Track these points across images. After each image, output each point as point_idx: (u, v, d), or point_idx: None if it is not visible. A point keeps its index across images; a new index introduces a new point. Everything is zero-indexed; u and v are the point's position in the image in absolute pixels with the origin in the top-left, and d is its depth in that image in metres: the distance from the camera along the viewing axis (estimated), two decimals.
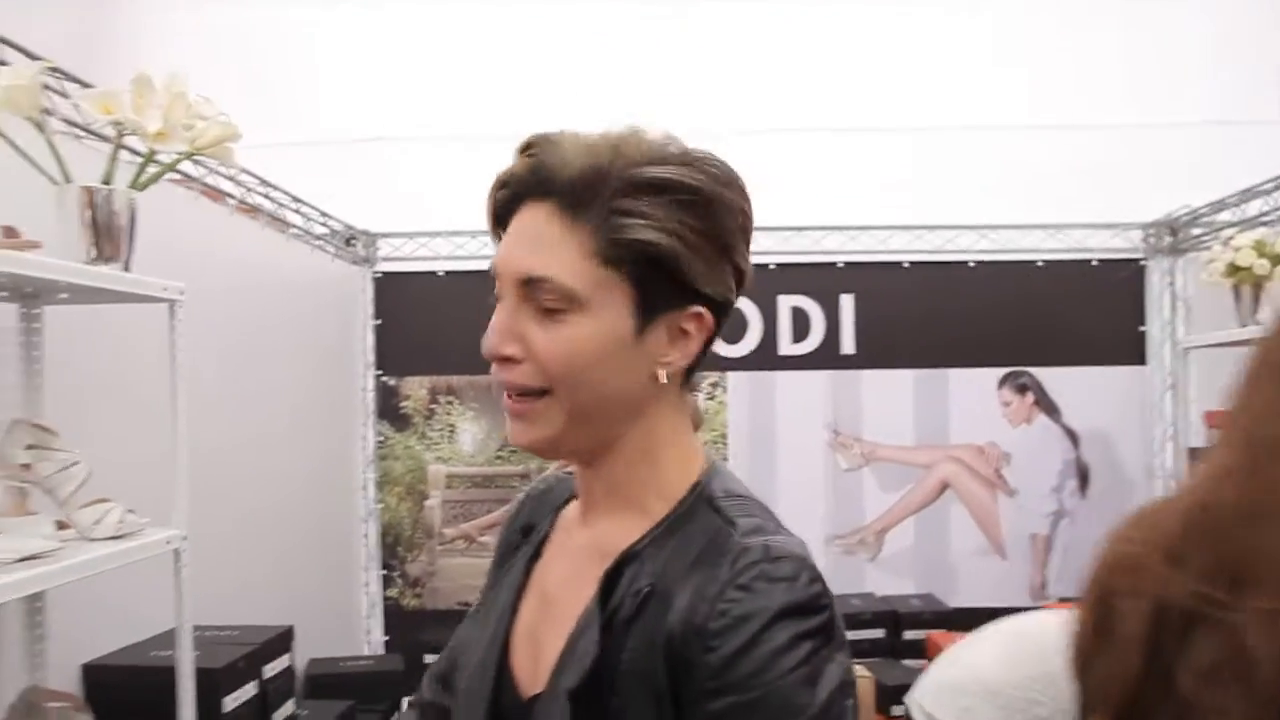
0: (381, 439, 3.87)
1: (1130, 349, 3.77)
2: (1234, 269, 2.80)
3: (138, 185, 1.70)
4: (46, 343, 1.81)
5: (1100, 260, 3.81)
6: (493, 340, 0.83)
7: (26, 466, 1.63)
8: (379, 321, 3.87)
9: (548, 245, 0.80)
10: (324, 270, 3.57)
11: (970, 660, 1.79)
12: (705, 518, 0.83)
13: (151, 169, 1.72)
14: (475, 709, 0.91)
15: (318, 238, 3.47)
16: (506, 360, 0.82)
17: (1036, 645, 1.68)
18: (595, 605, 0.81)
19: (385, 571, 3.89)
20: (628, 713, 0.77)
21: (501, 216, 0.87)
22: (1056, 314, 3.76)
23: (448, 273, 3.84)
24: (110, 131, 1.66)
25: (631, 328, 0.81)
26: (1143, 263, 3.82)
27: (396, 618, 3.88)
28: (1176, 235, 3.73)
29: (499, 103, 3.77)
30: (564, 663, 0.82)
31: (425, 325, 3.84)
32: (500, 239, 0.87)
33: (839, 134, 3.75)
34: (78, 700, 1.78)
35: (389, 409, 3.87)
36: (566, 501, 0.98)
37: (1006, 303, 3.79)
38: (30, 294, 1.78)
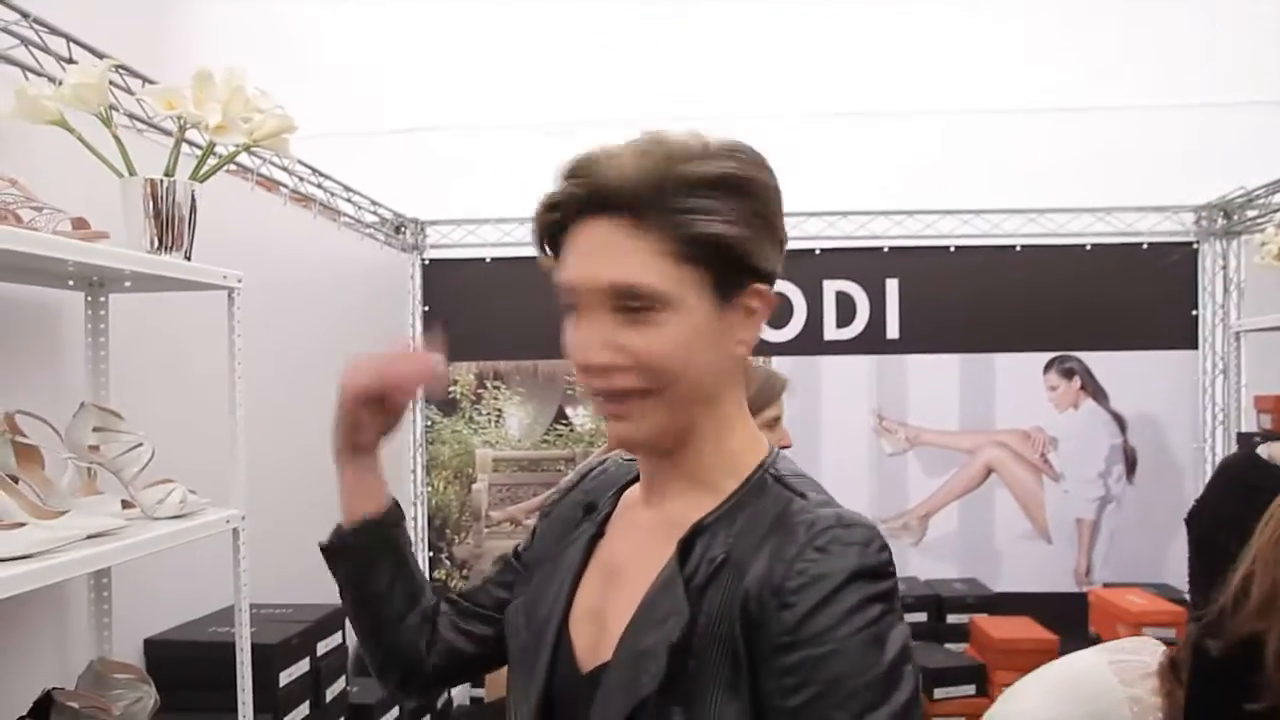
0: (429, 423, 3.94)
1: (1182, 333, 3.73)
2: None
3: (198, 177, 1.76)
4: (111, 330, 1.87)
5: (1151, 244, 3.77)
6: (588, 353, 0.86)
7: (94, 448, 1.69)
8: (427, 308, 3.94)
9: (623, 254, 0.84)
10: (374, 258, 3.64)
11: (1020, 701, 1.81)
12: (774, 493, 0.88)
13: (211, 161, 1.77)
14: (532, 680, 0.95)
15: (367, 226, 3.53)
16: (604, 370, 0.86)
17: (1087, 686, 1.70)
18: (675, 569, 0.86)
19: (433, 554, 3.97)
20: (703, 674, 0.81)
21: (552, 237, 0.91)
22: (1105, 298, 3.73)
23: (494, 259, 3.90)
24: (171, 126, 1.72)
25: (714, 316, 0.86)
26: (1195, 246, 3.77)
27: None
28: (1230, 218, 3.68)
29: (545, 92, 3.80)
30: (638, 625, 0.86)
31: (473, 311, 3.90)
32: (548, 258, 0.92)
33: (886, 118, 3.73)
34: (142, 672, 1.84)
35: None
36: (628, 484, 1.02)
37: (1054, 287, 3.76)
38: (96, 283, 1.84)
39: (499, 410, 3.93)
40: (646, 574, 0.89)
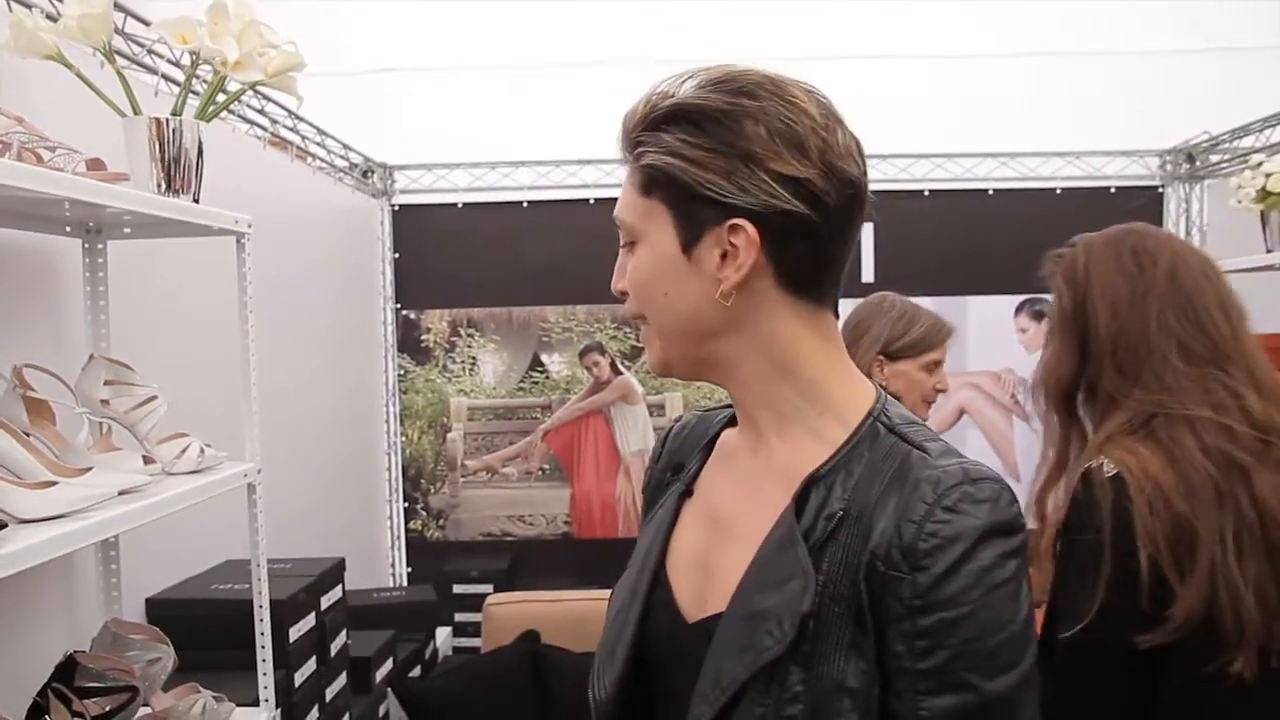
0: (402, 373, 3.87)
1: None
2: (1265, 194, 2.81)
3: (204, 116, 1.67)
4: (110, 278, 1.79)
5: (1118, 187, 3.82)
6: (614, 279, 0.94)
7: (105, 403, 1.62)
8: (397, 255, 3.85)
9: (624, 191, 0.91)
10: (345, 203, 3.53)
11: None
12: (889, 443, 0.85)
13: (218, 99, 1.68)
14: (624, 629, 0.93)
15: (338, 170, 3.42)
16: (621, 295, 0.93)
17: None
18: (792, 526, 0.83)
19: (408, 505, 3.92)
20: (825, 634, 0.79)
21: None
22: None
23: (466, 204, 3.81)
24: (151, 63, 1.62)
25: (677, 248, 0.86)
26: (1161, 190, 3.83)
27: (419, 550, 3.92)
28: (1194, 162, 3.74)
29: (517, 34, 3.71)
30: (753, 582, 0.84)
31: (445, 258, 3.82)
32: None
33: (859, 61, 3.71)
34: (157, 632, 1.78)
35: (410, 342, 3.87)
36: (715, 435, 1.00)
37: (1025, 230, 3.74)
38: (93, 229, 1.75)
39: (473, 358, 3.87)
40: (756, 524, 0.87)
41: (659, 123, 0.85)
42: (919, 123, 3.74)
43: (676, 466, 1.02)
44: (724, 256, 0.85)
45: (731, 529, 0.91)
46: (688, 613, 0.91)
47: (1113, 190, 3.82)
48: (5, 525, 1.18)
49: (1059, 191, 3.81)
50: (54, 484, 1.31)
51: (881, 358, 2.08)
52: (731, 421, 0.99)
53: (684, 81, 0.86)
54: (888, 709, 0.78)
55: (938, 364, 2.09)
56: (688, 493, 0.98)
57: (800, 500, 0.84)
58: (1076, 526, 1.30)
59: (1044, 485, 1.42)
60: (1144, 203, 3.82)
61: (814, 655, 0.79)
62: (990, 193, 3.83)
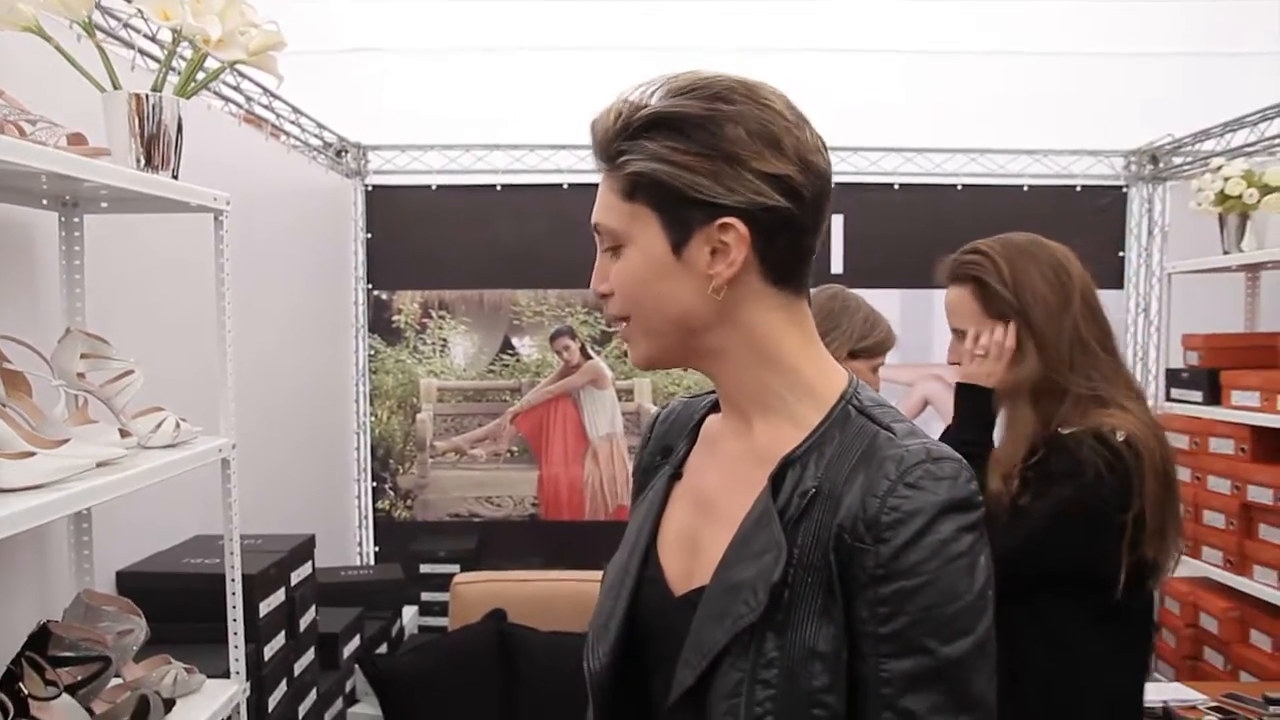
0: (373, 353, 3.88)
1: (1109, 273, 3.88)
2: (1223, 197, 2.89)
3: (184, 93, 1.68)
4: (86, 253, 1.79)
5: (1084, 186, 3.90)
6: (594, 282, 0.97)
7: (82, 376, 1.63)
8: (369, 235, 3.85)
9: (601, 199, 0.94)
10: (319, 183, 3.53)
11: None
12: (859, 424, 0.90)
13: (198, 76, 1.69)
14: (616, 604, 0.98)
15: (312, 149, 3.42)
16: (602, 298, 0.97)
17: None
18: (768, 503, 0.88)
19: (376, 484, 3.94)
20: (798, 603, 0.85)
21: None
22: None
23: (439, 186, 3.82)
24: (126, 37, 1.62)
25: (667, 249, 0.90)
26: (1124, 189, 3.91)
27: (387, 529, 3.94)
28: (1158, 164, 3.83)
29: (494, 17, 3.71)
30: (733, 556, 0.89)
31: (417, 239, 3.83)
32: None
33: (832, 54, 3.75)
34: (130, 604, 1.79)
35: (381, 322, 3.88)
36: (700, 421, 1.05)
37: (992, 225, 3.79)
38: (69, 203, 1.76)
39: (444, 340, 3.88)
40: (738, 504, 0.92)
41: (639, 131, 0.89)
42: (890, 117, 3.79)
43: (665, 450, 1.07)
44: (714, 253, 0.90)
45: (716, 509, 0.95)
46: (675, 587, 0.96)
47: (1078, 189, 3.90)
48: None
49: (1026, 189, 3.88)
50: (32, 455, 1.33)
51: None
52: (715, 408, 1.04)
53: (653, 91, 0.91)
54: (854, 671, 0.84)
55: (877, 369, 2.17)
56: (676, 475, 1.03)
57: (776, 480, 0.89)
58: (1092, 484, 1.52)
59: (1022, 462, 1.62)
60: (1110, 201, 3.91)
61: (788, 623, 0.84)
62: (959, 188, 3.89)
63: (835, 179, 0.95)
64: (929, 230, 3.86)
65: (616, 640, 0.97)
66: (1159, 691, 2.31)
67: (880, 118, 3.77)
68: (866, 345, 2.14)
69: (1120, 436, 1.53)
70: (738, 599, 0.86)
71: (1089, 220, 3.87)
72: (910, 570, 0.81)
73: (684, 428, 1.06)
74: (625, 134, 0.90)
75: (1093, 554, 1.54)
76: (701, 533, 0.96)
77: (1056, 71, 3.80)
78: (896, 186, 3.88)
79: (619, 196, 0.91)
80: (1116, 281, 3.90)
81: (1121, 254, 3.91)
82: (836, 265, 3.86)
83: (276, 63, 1.77)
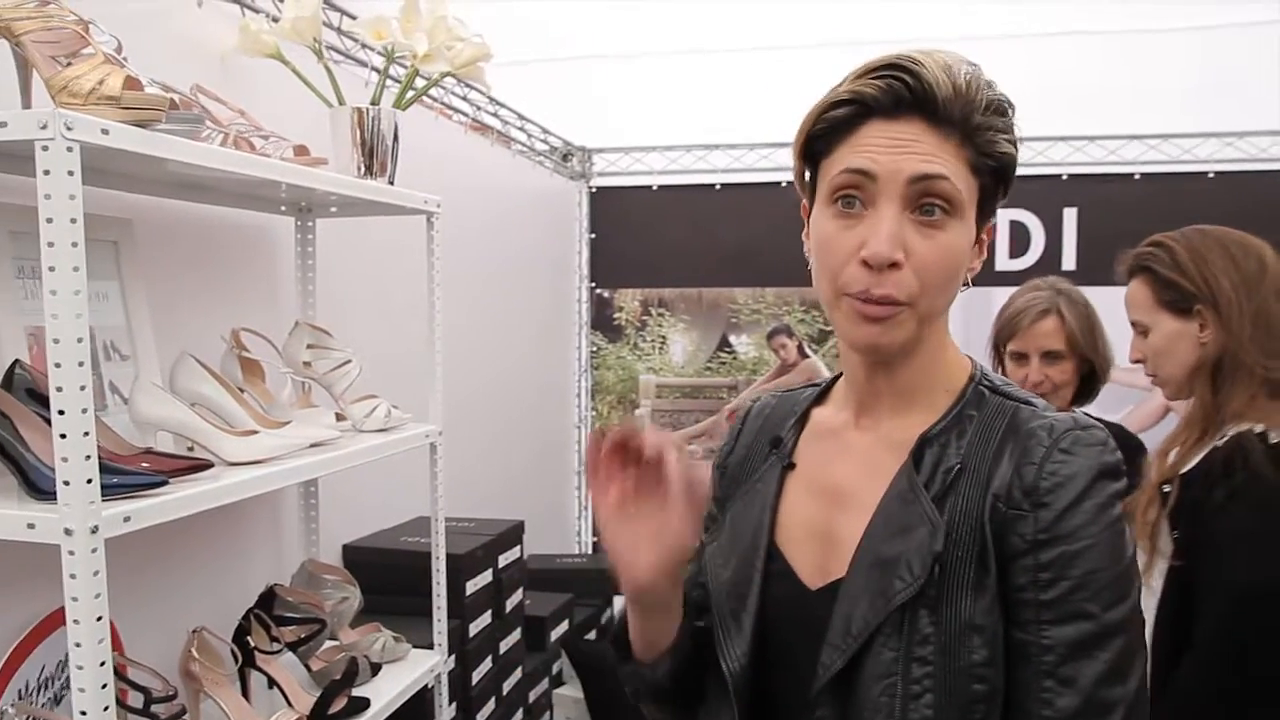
0: (595, 349, 4.02)
1: None
2: None
3: (400, 105, 1.82)
4: (318, 253, 1.98)
5: None
6: (888, 247, 0.84)
7: (307, 364, 1.80)
8: (594, 235, 3.99)
9: (933, 153, 0.85)
10: (544, 185, 3.70)
11: None
12: (995, 403, 0.91)
13: (411, 91, 1.83)
14: (746, 601, 0.96)
15: (538, 154, 3.59)
16: (891, 266, 0.84)
17: None
18: (911, 480, 0.88)
19: None
20: (950, 578, 0.84)
21: (824, 134, 0.90)
22: None
23: (661, 187, 3.91)
24: (366, 57, 1.77)
25: (972, 237, 0.90)
26: None
27: None
28: None
29: (712, 20, 3.76)
30: (875, 536, 0.89)
31: (639, 238, 3.93)
32: (809, 157, 0.93)
33: (1054, 39, 3.54)
34: (348, 574, 1.98)
35: (602, 320, 4.01)
36: (805, 414, 1.04)
37: (1248, 214, 3.49)
38: (304, 208, 1.94)
39: (663, 337, 3.97)
40: (874, 492, 0.91)
41: (997, 110, 0.88)
42: (1126, 102, 3.53)
43: (776, 441, 1.04)
44: (978, 248, 0.92)
45: (852, 499, 0.94)
46: (810, 581, 0.94)
47: None
48: (213, 465, 1.35)
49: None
50: (256, 433, 1.48)
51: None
52: (818, 400, 1.04)
53: (973, 67, 0.88)
54: (1011, 640, 0.83)
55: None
56: (790, 466, 1.01)
57: (916, 458, 0.89)
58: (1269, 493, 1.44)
59: (1182, 451, 1.58)
60: None
61: (940, 598, 0.84)
62: (1210, 175, 3.57)
63: (1069, 170, 0.97)
64: (1175, 222, 3.52)
65: (752, 638, 0.96)
66: None
67: (1114, 104, 3.51)
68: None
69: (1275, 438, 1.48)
70: (891, 575, 0.85)
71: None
72: (1072, 534, 0.82)
73: (785, 419, 1.05)
74: (988, 108, 0.87)
75: None
76: (836, 524, 0.94)
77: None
78: (1137, 176, 3.61)
79: (966, 166, 0.86)
80: None
81: None
82: (1069, 261, 3.68)
83: (484, 73, 1.88)
